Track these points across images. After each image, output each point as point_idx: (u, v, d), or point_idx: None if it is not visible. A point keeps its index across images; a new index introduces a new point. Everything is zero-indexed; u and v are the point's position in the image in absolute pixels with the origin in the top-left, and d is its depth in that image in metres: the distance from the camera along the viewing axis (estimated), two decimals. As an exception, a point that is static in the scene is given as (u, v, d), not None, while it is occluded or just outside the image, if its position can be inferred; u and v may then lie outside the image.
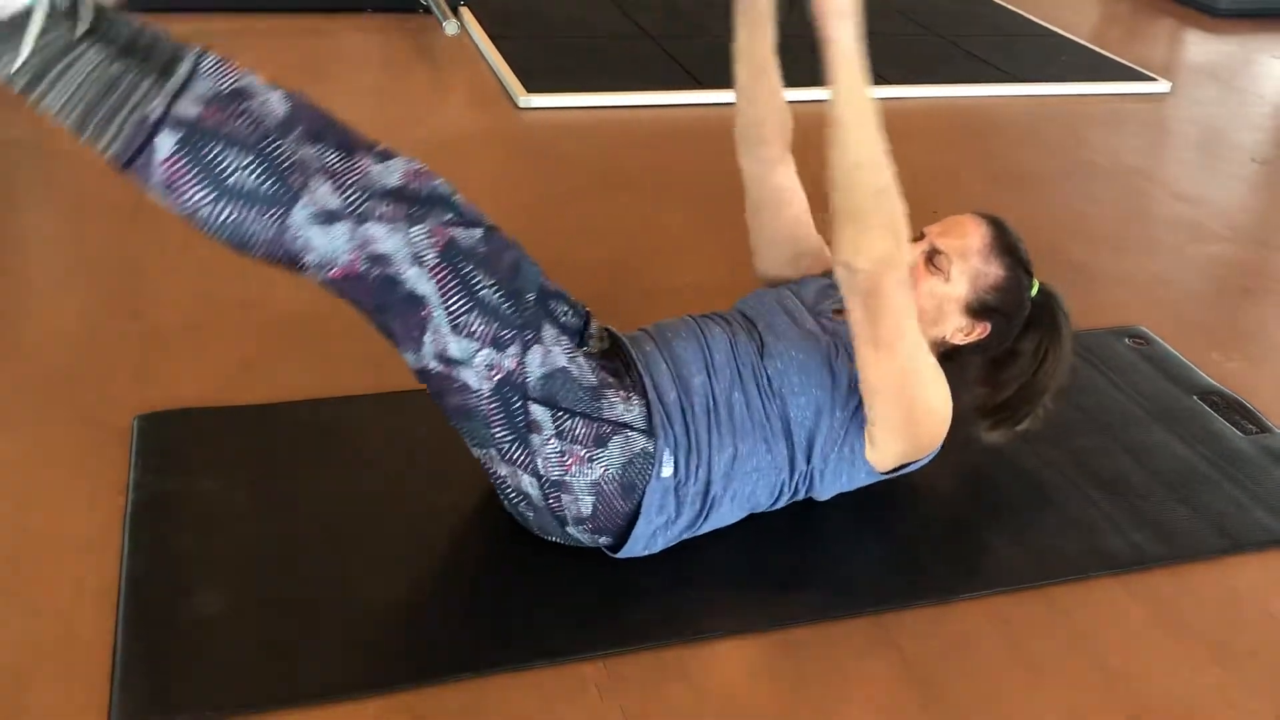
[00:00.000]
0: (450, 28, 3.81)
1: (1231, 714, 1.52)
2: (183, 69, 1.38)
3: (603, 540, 1.59)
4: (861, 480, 1.70)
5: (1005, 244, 1.70)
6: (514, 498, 1.57)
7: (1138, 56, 4.34)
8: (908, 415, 1.60)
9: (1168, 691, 1.54)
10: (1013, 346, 1.69)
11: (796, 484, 1.66)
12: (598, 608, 1.57)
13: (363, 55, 3.75)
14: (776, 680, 1.50)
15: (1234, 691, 1.55)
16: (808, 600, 1.62)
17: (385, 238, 1.40)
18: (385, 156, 1.48)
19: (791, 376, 1.63)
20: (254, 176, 1.36)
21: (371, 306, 1.46)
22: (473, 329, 1.45)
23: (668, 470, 1.55)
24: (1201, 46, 4.76)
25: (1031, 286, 1.73)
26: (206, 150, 1.35)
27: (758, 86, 1.79)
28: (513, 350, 1.46)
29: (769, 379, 1.63)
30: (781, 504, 1.70)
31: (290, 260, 1.41)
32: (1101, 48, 4.38)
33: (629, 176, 2.98)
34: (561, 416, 1.49)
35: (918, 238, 1.72)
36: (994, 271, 1.68)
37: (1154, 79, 4.08)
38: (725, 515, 1.65)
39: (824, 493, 1.71)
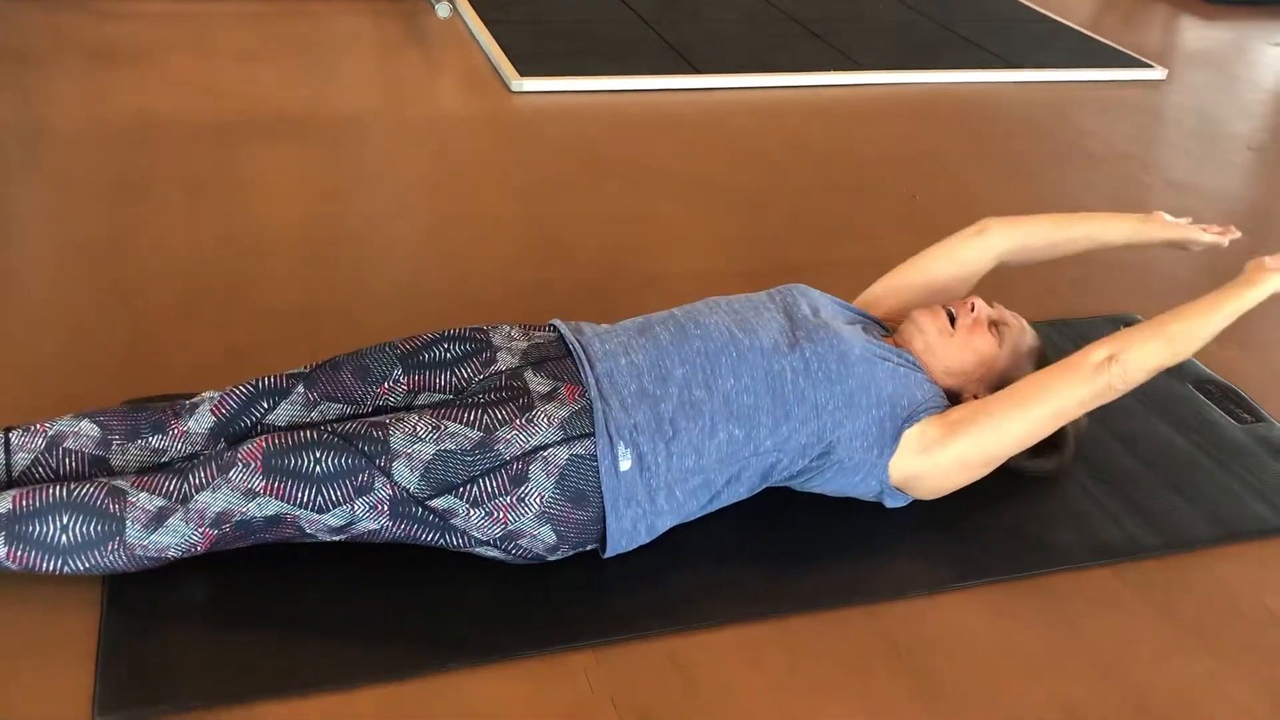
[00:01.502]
0: (442, 10, 3.79)
1: (1225, 704, 1.51)
2: None
3: (590, 547, 1.60)
4: (861, 488, 1.70)
5: (1043, 365, 1.78)
6: (491, 561, 1.57)
7: (1134, 43, 4.33)
8: (974, 466, 1.69)
9: (1161, 681, 1.54)
10: None
11: (804, 466, 1.66)
12: (588, 597, 1.57)
13: (354, 38, 3.73)
14: (767, 670, 1.49)
15: (1227, 681, 1.55)
16: (799, 590, 1.62)
17: (214, 499, 1.45)
18: (194, 406, 1.59)
19: (831, 363, 1.64)
20: (78, 527, 1.42)
21: (251, 545, 1.50)
22: (333, 499, 1.47)
23: (626, 463, 1.54)
24: (1197, 33, 4.75)
25: None
26: (30, 530, 1.42)
27: (1075, 248, 2.00)
28: (379, 482, 1.48)
29: (805, 360, 1.64)
30: (777, 483, 1.69)
31: (158, 563, 1.47)
32: (1097, 34, 4.37)
33: (622, 162, 2.96)
34: (464, 490, 1.50)
35: (988, 302, 1.83)
36: (1027, 372, 1.77)
37: (1150, 66, 4.07)
38: (721, 497, 1.64)
39: (815, 486, 1.71)
